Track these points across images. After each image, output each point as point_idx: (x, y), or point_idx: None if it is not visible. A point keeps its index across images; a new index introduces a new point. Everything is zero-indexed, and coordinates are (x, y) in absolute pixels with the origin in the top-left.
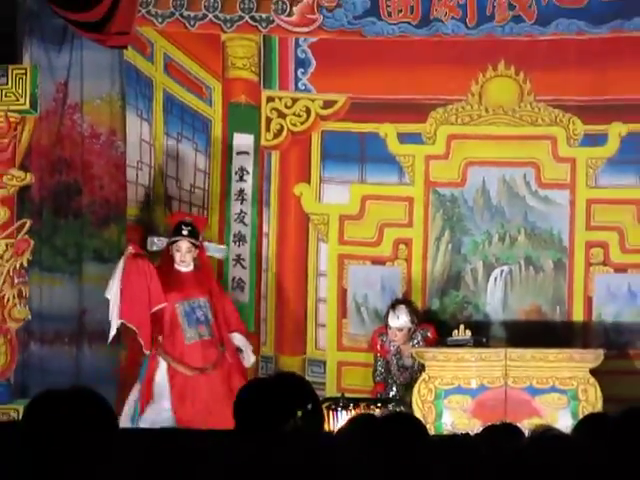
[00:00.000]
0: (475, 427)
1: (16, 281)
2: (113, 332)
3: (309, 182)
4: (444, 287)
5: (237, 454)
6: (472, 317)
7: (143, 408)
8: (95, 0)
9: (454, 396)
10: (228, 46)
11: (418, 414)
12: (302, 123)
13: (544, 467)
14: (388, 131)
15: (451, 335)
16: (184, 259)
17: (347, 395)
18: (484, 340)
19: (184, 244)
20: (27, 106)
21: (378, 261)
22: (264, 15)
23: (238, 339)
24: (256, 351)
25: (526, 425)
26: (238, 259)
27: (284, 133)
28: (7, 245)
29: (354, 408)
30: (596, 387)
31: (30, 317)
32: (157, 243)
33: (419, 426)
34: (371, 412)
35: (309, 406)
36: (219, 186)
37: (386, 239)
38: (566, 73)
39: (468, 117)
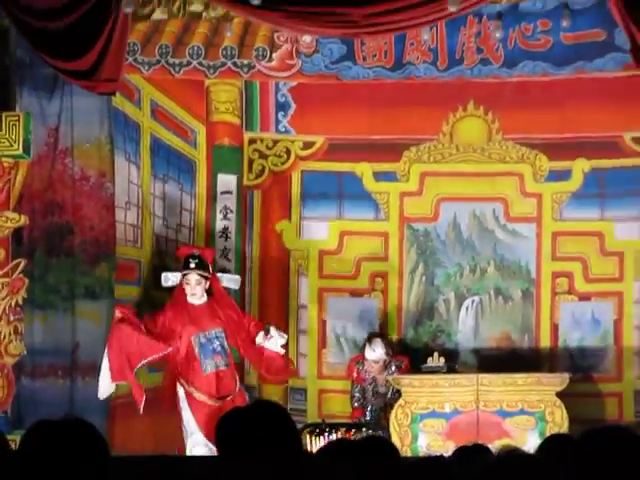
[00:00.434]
0: (449, 449)
1: (12, 318)
2: (104, 396)
3: (290, 219)
4: (418, 317)
5: (219, 477)
6: (445, 345)
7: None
8: (84, 49)
9: (429, 420)
10: (212, 91)
11: (395, 437)
12: (283, 163)
13: None
14: (364, 170)
15: (426, 362)
16: (194, 292)
17: (327, 421)
18: (457, 367)
19: (193, 277)
20: (20, 151)
21: (356, 293)
22: (246, 61)
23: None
24: (240, 380)
25: (497, 446)
26: None
27: (265, 173)
28: (2, 284)
29: (334, 432)
30: (562, 409)
31: (25, 352)
32: (171, 278)
33: (392, 448)
34: (349, 436)
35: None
36: (204, 224)
37: (363, 272)
38: (532, 113)
39: (440, 155)
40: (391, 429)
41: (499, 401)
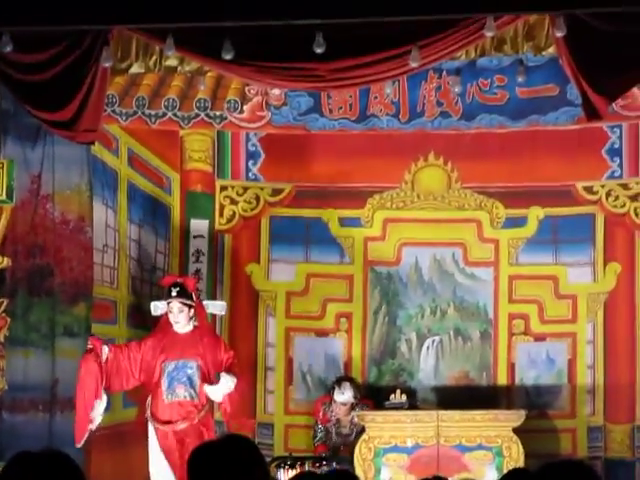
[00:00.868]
0: None
1: None
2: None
3: (259, 262)
4: (381, 356)
5: None
6: (407, 383)
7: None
8: (65, 101)
9: (391, 454)
10: (185, 140)
11: (359, 471)
12: (252, 209)
13: None
14: (330, 216)
15: (388, 399)
16: (177, 320)
17: (294, 454)
18: (418, 403)
19: (175, 305)
20: (4, 197)
21: (321, 333)
22: (218, 112)
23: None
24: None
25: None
26: None
27: (236, 218)
28: None
29: (300, 466)
30: (519, 444)
31: (7, 387)
32: (160, 307)
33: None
34: (316, 469)
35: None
36: (177, 266)
37: (329, 313)
38: (489, 163)
39: (402, 202)
40: (355, 463)
41: (458, 436)
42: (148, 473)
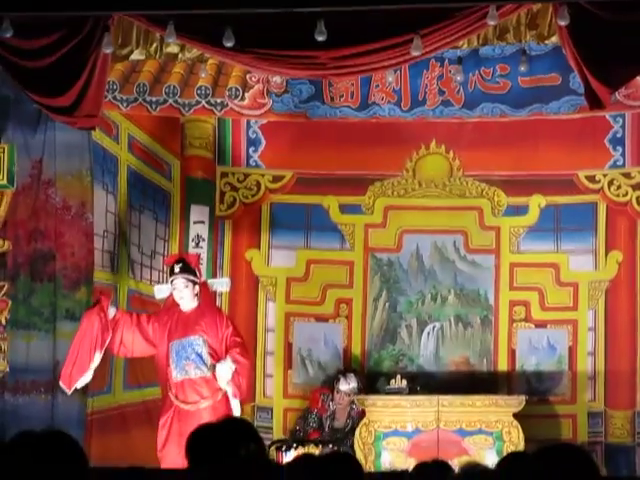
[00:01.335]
0: (411, 466)
1: None
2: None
3: (259, 248)
4: (382, 342)
5: None
6: (407, 368)
7: (164, 446)
8: (66, 87)
9: (392, 438)
10: (186, 127)
11: (359, 454)
12: (253, 196)
13: None
14: (331, 203)
15: (389, 384)
16: (182, 295)
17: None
18: (418, 388)
19: (179, 281)
20: (5, 181)
21: (321, 318)
22: (219, 100)
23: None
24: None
25: (456, 463)
26: None
27: (237, 205)
28: None
29: (300, 448)
30: (519, 429)
31: (8, 369)
32: (164, 289)
33: (355, 463)
34: (316, 452)
35: (252, 445)
36: (177, 252)
37: (329, 299)
38: (490, 151)
39: (403, 190)
40: (355, 446)
41: (459, 421)
42: (150, 456)
